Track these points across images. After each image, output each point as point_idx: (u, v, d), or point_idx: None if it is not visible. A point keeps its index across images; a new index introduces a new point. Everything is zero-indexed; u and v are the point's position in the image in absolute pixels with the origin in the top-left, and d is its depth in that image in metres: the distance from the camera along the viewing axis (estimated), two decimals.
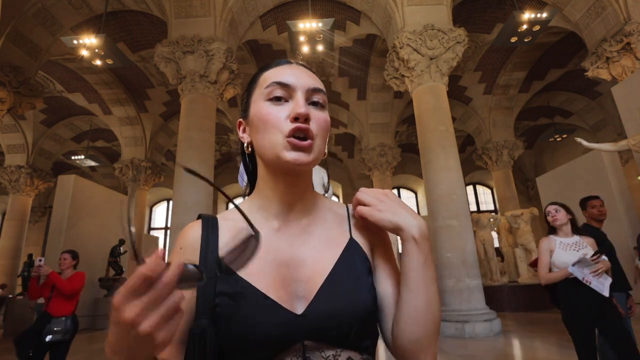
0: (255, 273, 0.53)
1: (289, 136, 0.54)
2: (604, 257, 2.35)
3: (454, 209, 6.41)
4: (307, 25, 6.96)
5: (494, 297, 9.11)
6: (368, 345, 0.54)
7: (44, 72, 10.64)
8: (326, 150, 0.60)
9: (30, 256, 10.19)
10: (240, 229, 0.59)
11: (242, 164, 0.69)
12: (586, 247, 2.45)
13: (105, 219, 9.99)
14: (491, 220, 10.71)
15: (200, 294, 0.53)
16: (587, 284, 2.29)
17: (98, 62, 7.45)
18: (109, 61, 7.51)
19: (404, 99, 11.99)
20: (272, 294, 0.51)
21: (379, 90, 11.82)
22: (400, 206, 0.57)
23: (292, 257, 0.56)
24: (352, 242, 0.60)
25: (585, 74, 8.38)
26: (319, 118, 0.57)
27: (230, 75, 7.71)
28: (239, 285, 0.52)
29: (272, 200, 0.60)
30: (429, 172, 6.83)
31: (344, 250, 0.58)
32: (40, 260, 3.31)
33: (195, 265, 0.38)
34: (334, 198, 9.70)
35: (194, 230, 0.59)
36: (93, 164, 15.32)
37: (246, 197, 0.68)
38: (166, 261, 0.37)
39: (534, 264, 2.87)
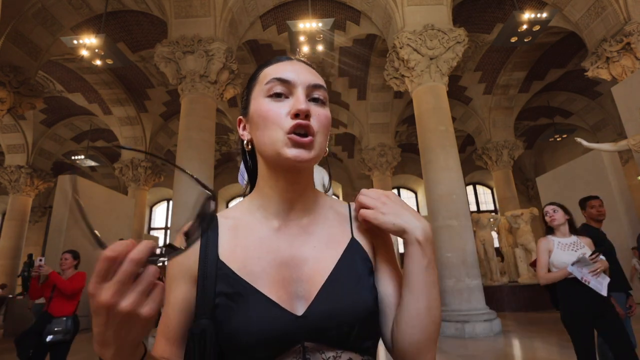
0: (256, 273, 0.53)
1: (289, 133, 0.53)
2: (601, 256, 2.36)
3: (454, 209, 6.41)
4: (307, 25, 6.96)
5: (494, 297, 9.11)
6: (369, 347, 0.53)
7: (44, 72, 10.64)
8: (327, 148, 0.59)
9: (30, 256, 10.16)
10: (239, 227, 0.59)
11: (242, 162, 0.68)
12: (584, 247, 2.46)
13: (105, 219, 9.99)
14: (491, 220, 10.71)
15: (200, 294, 0.52)
16: (586, 283, 2.30)
17: (98, 62, 7.45)
18: (109, 61, 7.51)
19: (404, 99, 11.99)
20: (272, 294, 0.51)
21: (379, 90, 11.82)
22: (403, 208, 0.56)
23: (293, 256, 0.56)
24: (353, 242, 0.59)
25: (585, 74, 8.38)
26: (319, 114, 0.56)
27: (230, 75, 7.71)
28: (238, 285, 0.52)
29: (272, 198, 0.59)
30: (429, 172, 6.83)
31: (345, 250, 0.57)
32: (40, 260, 3.31)
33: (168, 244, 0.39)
34: None
35: None
36: (93, 164, 15.32)
37: (246, 196, 0.67)
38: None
39: (534, 264, 2.88)
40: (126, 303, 0.35)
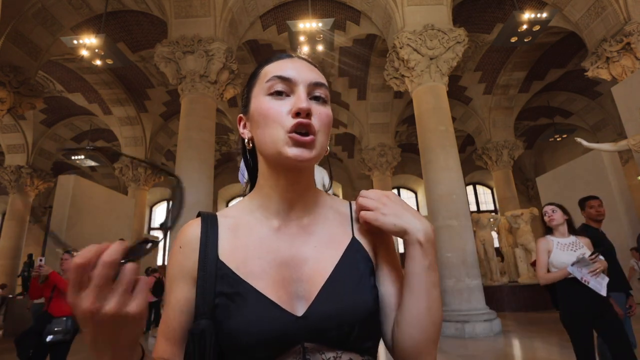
0: (256, 273, 0.53)
1: (290, 132, 0.52)
2: (600, 256, 2.36)
3: (454, 209, 6.41)
4: (307, 25, 6.96)
5: (494, 297, 9.11)
6: (369, 347, 0.53)
7: (44, 72, 10.64)
8: (328, 148, 0.59)
9: (30, 256, 10.17)
10: (239, 226, 0.59)
11: (242, 160, 0.68)
12: (582, 247, 2.47)
13: (105, 219, 9.99)
14: (491, 220, 10.71)
15: (200, 295, 0.52)
16: (586, 283, 2.31)
17: (98, 62, 7.46)
18: (109, 61, 7.51)
19: (404, 99, 11.99)
20: (271, 295, 0.51)
21: (379, 90, 11.81)
22: (404, 208, 0.56)
23: (293, 256, 0.55)
24: (354, 241, 0.58)
25: (585, 74, 8.38)
26: (320, 113, 0.56)
27: (230, 75, 7.71)
28: (238, 285, 0.51)
29: (272, 198, 0.59)
30: (429, 172, 6.83)
31: (345, 250, 0.57)
32: (40, 260, 3.31)
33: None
34: None
35: (193, 229, 0.57)
36: (93, 164, 15.32)
37: (246, 195, 0.66)
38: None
39: (535, 264, 2.89)
40: (110, 306, 0.35)
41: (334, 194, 0.68)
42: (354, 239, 0.59)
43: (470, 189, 19.01)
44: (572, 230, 2.57)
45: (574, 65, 11.18)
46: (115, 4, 8.23)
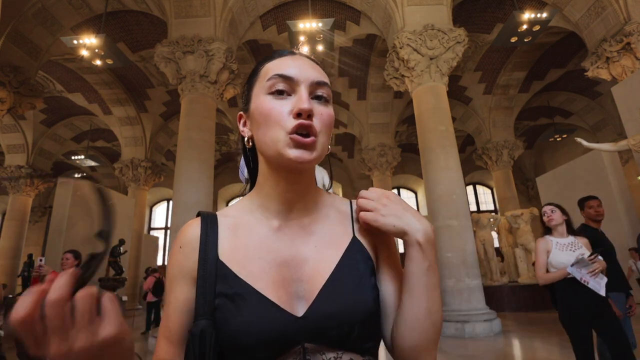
0: (256, 273, 0.53)
1: (291, 133, 0.51)
2: (599, 257, 2.37)
3: (454, 209, 6.41)
4: (307, 25, 6.96)
5: (494, 297, 9.11)
6: (370, 347, 0.53)
7: (44, 72, 10.64)
8: (329, 147, 0.58)
9: (30, 256, 10.20)
10: (239, 226, 0.59)
11: (242, 158, 0.67)
12: (581, 247, 2.48)
13: None
14: (491, 220, 10.71)
15: (200, 295, 0.52)
16: (585, 284, 2.32)
17: (98, 62, 7.46)
18: (109, 61, 7.51)
19: (404, 99, 11.99)
20: (271, 295, 0.51)
21: (379, 90, 11.82)
22: (403, 209, 0.55)
23: (293, 256, 0.55)
24: (355, 241, 0.58)
25: (585, 74, 8.38)
26: (322, 114, 0.55)
27: (230, 75, 7.71)
28: (238, 286, 0.51)
29: (272, 198, 0.58)
30: (429, 172, 6.83)
31: (346, 250, 0.56)
32: (41, 260, 3.31)
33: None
34: None
35: (193, 229, 0.57)
36: (93, 164, 15.33)
37: (245, 195, 0.66)
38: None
39: None
40: (80, 342, 0.33)
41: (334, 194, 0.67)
42: (354, 238, 0.58)
43: (470, 189, 19.01)
44: (571, 231, 2.58)
45: (574, 65, 11.18)
46: (115, 4, 8.23)
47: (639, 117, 6.12)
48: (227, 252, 0.55)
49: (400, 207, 0.55)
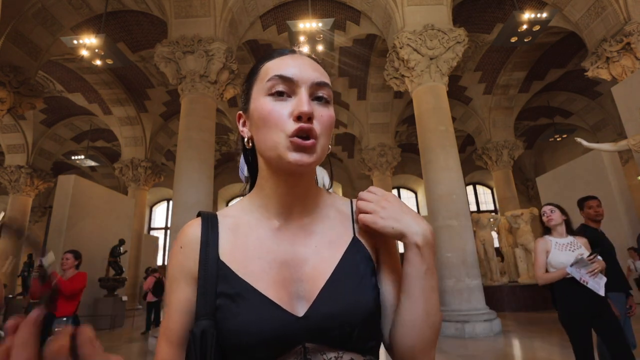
0: (256, 273, 0.53)
1: (291, 136, 0.51)
2: (598, 257, 2.38)
3: (454, 209, 6.41)
4: (307, 25, 6.96)
5: (494, 297, 9.11)
6: (371, 347, 0.53)
7: (44, 72, 10.64)
8: (330, 146, 0.58)
9: (30, 256, 10.20)
10: (240, 226, 0.59)
11: (242, 156, 0.66)
12: (580, 247, 2.49)
13: (105, 219, 9.99)
14: (491, 220, 10.71)
15: (201, 295, 0.52)
16: (584, 284, 2.32)
17: (98, 62, 7.45)
18: (109, 61, 7.51)
19: (404, 99, 12.00)
20: (272, 295, 0.51)
21: (379, 90, 11.82)
22: (402, 211, 0.55)
23: (293, 257, 0.55)
24: (355, 241, 0.58)
25: (585, 74, 8.38)
26: (322, 115, 0.54)
27: (230, 75, 7.72)
28: (239, 286, 0.51)
29: (272, 199, 0.58)
30: (429, 172, 6.83)
31: (346, 250, 0.56)
32: (41, 261, 3.31)
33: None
34: None
35: (194, 229, 0.57)
36: (93, 164, 15.33)
37: (246, 194, 0.66)
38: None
39: None
40: None
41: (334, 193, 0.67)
42: (355, 238, 0.58)
43: (470, 189, 19.02)
44: (570, 231, 2.59)
45: (574, 65, 11.18)
46: (115, 4, 8.23)
47: (639, 117, 6.12)
48: (228, 252, 0.55)
49: (399, 210, 0.55)
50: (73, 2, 8.11)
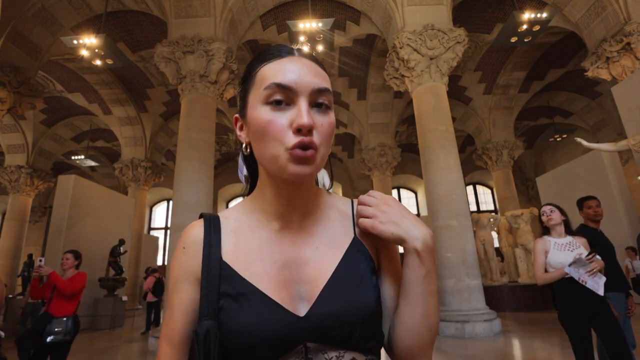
0: (258, 274, 0.53)
1: (291, 149, 0.50)
2: (597, 256, 2.38)
3: (454, 209, 6.41)
4: (307, 25, 6.96)
5: (494, 297, 9.11)
6: (373, 346, 0.53)
7: (44, 72, 10.64)
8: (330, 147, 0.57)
9: (30, 256, 10.20)
10: (241, 228, 0.59)
11: (241, 156, 0.66)
12: (579, 247, 2.49)
13: (105, 219, 10.00)
14: (491, 220, 10.71)
15: (204, 295, 0.52)
16: (583, 283, 2.33)
17: (98, 62, 7.46)
18: (109, 61, 7.51)
19: (404, 99, 12.00)
20: (274, 296, 0.51)
21: (379, 90, 11.82)
22: (403, 216, 0.55)
23: (295, 258, 0.55)
24: (356, 241, 0.58)
25: (585, 74, 8.39)
26: (323, 124, 0.53)
27: (230, 75, 7.72)
28: (241, 286, 0.52)
29: (273, 203, 0.58)
30: (429, 172, 6.83)
31: (347, 250, 0.57)
32: (40, 261, 3.31)
33: None
34: None
35: (197, 230, 0.58)
36: (93, 164, 15.33)
37: (246, 195, 0.66)
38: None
39: None
40: None
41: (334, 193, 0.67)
42: (355, 238, 0.59)
43: (470, 189, 19.02)
44: (569, 231, 2.60)
45: (574, 65, 11.18)
46: (115, 4, 8.23)
47: (639, 117, 6.12)
48: (230, 253, 0.56)
49: (399, 214, 0.55)
50: (73, 2, 8.11)
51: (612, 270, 2.74)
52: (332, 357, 0.50)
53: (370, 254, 0.58)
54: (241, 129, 0.60)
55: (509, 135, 12.62)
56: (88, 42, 6.92)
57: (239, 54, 9.08)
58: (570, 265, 2.36)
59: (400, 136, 14.96)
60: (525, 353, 4.96)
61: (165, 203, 19.85)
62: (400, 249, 0.57)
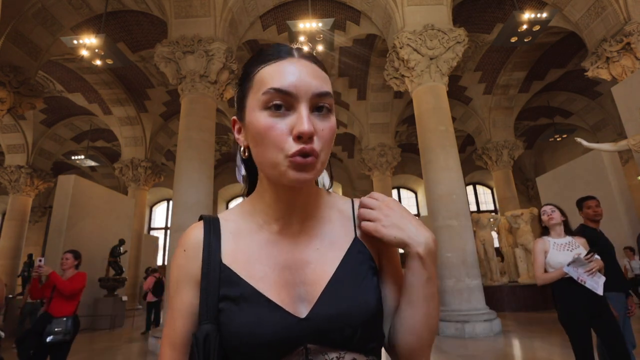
0: (258, 276, 0.53)
1: (291, 157, 0.49)
2: (596, 256, 2.38)
3: (454, 209, 6.41)
4: (307, 25, 6.96)
5: (494, 297, 9.11)
6: (374, 347, 0.54)
7: (44, 72, 10.64)
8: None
9: (30, 256, 10.20)
10: (241, 229, 0.59)
11: (239, 156, 0.65)
12: (579, 247, 2.50)
13: (105, 219, 10.00)
14: (491, 220, 10.71)
15: (204, 298, 0.52)
16: (582, 283, 2.33)
17: (98, 62, 7.46)
18: (109, 61, 7.51)
19: (404, 99, 12.00)
20: (274, 297, 0.51)
21: (379, 90, 11.82)
22: (406, 219, 0.55)
23: (295, 259, 0.55)
24: (356, 242, 0.58)
25: (585, 74, 8.38)
26: (323, 129, 0.51)
27: (230, 75, 7.72)
28: (241, 288, 0.52)
29: (273, 206, 0.57)
30: (429, 172, 6.83)
31: (348, 251, 0.57)
32: (40, 261, 3.31)
33: None
34: None
35: (196, 232, 0.57)
36: (93, 164, 15.33)
37: (246, 196, 0.66)
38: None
39: None
40: None
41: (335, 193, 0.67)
42: (356, 239, 0.58)
43: (470, 189, 19.02)
44: (568, 231, 2.61)
45: (574, 65, 11.18)
46: (115, 4, 8.23)
47: (639, 117, 6.12)
48: (230, 255, 0.55)
49: (401, 217, 0.55)
50: (73, 2, 8.11)
51: (611, 270, 2.74)
52: (332, 359, 0.50)
53: (372, 254, 0.58)
54: (239, 131, 0.59)
55: (509, 135, 12.62)
56: (88, 42, 6.92)
57: (239, 54, 9.07)
58: (569, 264, 2.36)
59: (400, 136, 14.96)
60: (525, 353, 4.96)
61: (165, 203, 19.84)
62: (401, 249, 0.57)
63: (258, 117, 0.51)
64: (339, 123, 13.40)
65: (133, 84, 11.62)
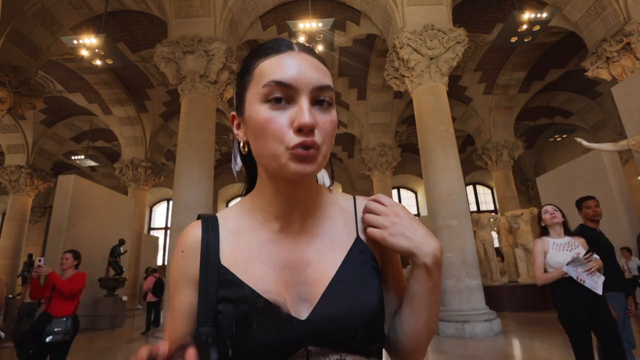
0: (258, 277, 0.52)
1: (292, 149, 0.48)
2: (595, 255, 2.38)
3: (454, 209, 6.41)
4: (307, 25, 6.96)
5: (494, 297, 9.11)
6: (375, 349, 0.53)
7: (44, 72, 10.64)
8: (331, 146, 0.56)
9: (30, 256, 10.20)
10: (241, 229, 0.58)
11: (236, 150, 0.64)
12: (578, 247, 2.50)
13: (105, 219, 9.99)
14: (491, 220, 10.71)
15: (202, 300, 0.52)
16: (581, 282, 2.33)
17: (98, 62, 7.46)
18: (109, 61, 7.51)
19: (404, 99, 12.00)
20: (274, 299, 0.50)
21: (379, 90, 11.82)
22: (413, 228, 0.54)
23: (296, 259, 0.54)
24: (358, 241, 0.57)
25: (585, 74, 8.38)
26: (324, 122, 0.51)
27: (230, 75, 7.72)
28: (241, 290, 0.51)
29: (273, 203, 0.56)
30: (429, 172, 6.83)
31: (349, 251, 0.56)
32: (40, 261, 3.30)
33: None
34: None
35: (194, 232, 0.56)
36: (93, 164, 15.33)
37: (244, 194, 0.65)
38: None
39: None
40: None
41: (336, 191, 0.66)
42: (358, 238, 0.57)
43: (470, 189, 19.01)
44: (567, 231, 2.62)
45: (574, 65, 11.18)
46: (115, 4, 8.23)
47: (639, 117, 6.12)
48: (229, 255, 0.55)
49: (409, 226, 0.54)
50: (73, 2, 8.11)
51: (611, 270, 2.74)
52: None
53: (374, 254, 0.57)
54: (238, 127, 0.58)
55: (509, 135, 12.62)
56: (88, 42, 6.92)
57: (239, 53, 9.07)
58: (568, 264, 2.36)
59: (400, 136, 14.96)
60: (525, 353, 4.96)
61: (165, 203, 19.85)
62: None
63: (258, 110, 0.51)
64: (339, 123, 13.39)
65: (133, 84, 11.62)
